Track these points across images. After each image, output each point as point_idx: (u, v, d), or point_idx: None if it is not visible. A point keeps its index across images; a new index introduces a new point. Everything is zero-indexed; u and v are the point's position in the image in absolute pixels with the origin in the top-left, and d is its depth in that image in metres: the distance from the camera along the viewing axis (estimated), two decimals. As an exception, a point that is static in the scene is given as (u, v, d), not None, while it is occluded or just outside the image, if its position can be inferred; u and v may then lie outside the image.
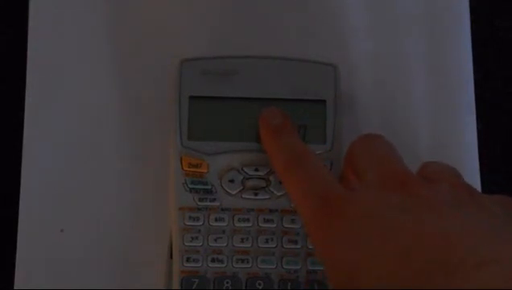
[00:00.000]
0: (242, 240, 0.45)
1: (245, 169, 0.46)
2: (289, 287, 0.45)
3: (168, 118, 0.47)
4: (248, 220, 0.46)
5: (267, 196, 0.46)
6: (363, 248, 0.36)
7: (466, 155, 0.52)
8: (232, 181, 0.46)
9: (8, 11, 0.54)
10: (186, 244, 0.45)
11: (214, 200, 0.46)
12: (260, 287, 0.45)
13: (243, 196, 0.46)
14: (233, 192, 0.46)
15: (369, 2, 0.54)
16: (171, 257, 0.46)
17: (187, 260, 0.45)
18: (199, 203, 0.46)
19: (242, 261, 0.45)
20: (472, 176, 0.52)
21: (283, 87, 0.47)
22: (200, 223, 0.45)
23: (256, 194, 0.46)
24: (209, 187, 0.46)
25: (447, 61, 0.54)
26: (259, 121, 0.46)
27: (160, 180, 0.49)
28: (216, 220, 0.46)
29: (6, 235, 0.50)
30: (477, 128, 0.53)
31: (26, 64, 0.52)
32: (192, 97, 0.47)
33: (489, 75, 0.54)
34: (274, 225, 0.46)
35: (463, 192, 0.39)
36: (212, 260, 0.45)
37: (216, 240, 0.45)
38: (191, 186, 0.46)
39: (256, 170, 0.46)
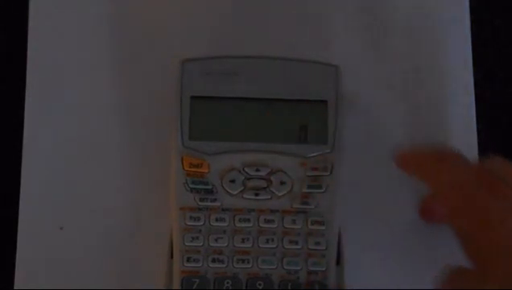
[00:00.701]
0: (243, 240, 0.45)
1: (246, 169, 0.46)
2: (289, 288, 0.45)
3: (169, 118, 0.47)
4: (249, 220, 0.46)
5: (268, 197, 0.46)
6: None
7: (466, 155, 0.52)
8: (233, 181, 0.46)
9: (8, 11, 0.54)
10: (186, 244, 0.45)
11: (215, 200, 0.46)
12: (260, 288, 0.45)
13: (244, 196, 0.46)
14: (234, 193, 0.46)
15: (369, 2, 0.54)
16: (172, 257, 0.46)
17: (188, 260, 0.45)
18: (200, 203, 0.46)
19: (243, 261, 0.45)
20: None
21: (285, 87, 0.47)
22: (201, 223, 0.45)
23: (257, 194, 0.46)
24: (210, 187, 0.46)
25: (447, 61, 0.54)
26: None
27: (161, 180, 0.49)
28: (216, 220, 0.46)
29: (6, 235, 0.50)
30: (477, 128, 0.53)
31: (26, 64, 0.52)
32: (193, 97, 0.47)
33: (489, 75, 0.54)
34: (275, 226, 0.46)
35: None
36: (213, 260, 0.45)
37: (216, 240, 0.45)
38: (192, 186, 0.46)
39: (257, 170, 0.46)
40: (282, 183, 0.46)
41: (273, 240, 0.45)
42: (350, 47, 0.54)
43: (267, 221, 0.46)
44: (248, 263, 0.45)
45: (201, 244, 0.45)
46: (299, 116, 0.47)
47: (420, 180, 0.45)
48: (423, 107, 0.53)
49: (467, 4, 0.54)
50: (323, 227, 0.46)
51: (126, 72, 0.52)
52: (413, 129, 0.52)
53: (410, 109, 0.53)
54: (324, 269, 0.45)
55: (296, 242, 0.45)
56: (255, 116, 0.47)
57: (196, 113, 0.47)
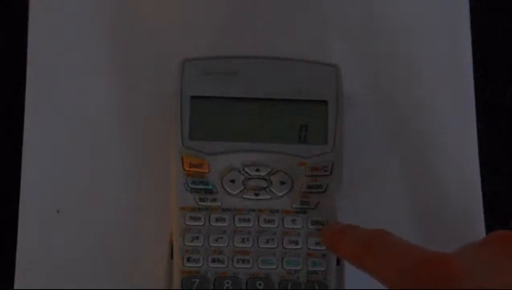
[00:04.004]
0: (243, 240, 0.45)
1: (246, 169, 0.46)
2: (289, 288, 0.45)
3: (169, 117, 0.47)
4: (249, 220, 0.46)
5: (268, 197, 0.46)
6: None
7: (466, 155, 0.52)
8: (233, 181, 0.46)
9: (8, 11, 0.54)
10: (187, 244, 0.45)
11: (215, 200, 0.46)
12: (260, 288, 0.45)
13: (244, 196, 0.46)
14: (234, 193, 0.46)
15: (369, 2, 0.54)
16: (172, 257, 0.46)
17: (188, 260, 0.45)
18: (200, 203, 0.46)
19: (243, 261, 0.45)
20: (473, 176, 0.52)
21: (285, 87, 0.47)
22: (201, 223, 0.45)
23: (257, 194, 0.46)
24: (210, 187, 0.46)
25: (447, 61, 0.54)
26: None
27: (161, 180, 0.49)
28: (216, 220, 0.46)
29: (6, 235, 0.50)
30: (477, 128, 0.53)
31: (27, 64, 0.52)
32: (193, 97, 0.47)
33: (489, 75, 0.54)
34: (275, 226, 0.46)
35: None
36: (213, 260, 0.45)
37: (216, 240, 0.45)
38: (192, 186, 0.46)
39: (257, 170, 0.46)
40: (282, 183, 0.46)
41: (273, 240, 0.45)
42: (350, 47, 0.54)
43: (267, 221, 0.46)
44: (248, 263, 0.45)
45: (201, 244, 0.45)
46: (299, 116, 0.47)
47: (355, 265, 0.42)
48: (422, 107, 0.53)
49: (467, 4, 0.55)
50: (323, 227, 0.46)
51: (126, 71, 0.52)
52: (412, 129, 0.52)
53: (409, 110, 0.53)
54: (324, 269, 0.45)
55: (296, 242, 0.46)
56: (255, 116, 0.47)
57: (196, 113, 0.47)
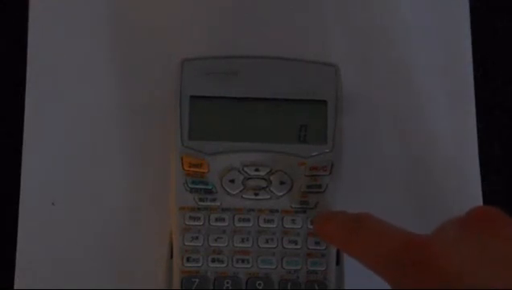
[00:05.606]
0: (243, 240, 0.45)
1: (246, 169, 0.46)
2: (289, 288, 0.45)
3: (169, 117, 0.47)
4: (248, 220, 0.46)
5: (268, 197, 0.46)
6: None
7: (466, 155, 0.52)
8: (232, 181, 0.46)
9: (8, 11, 0.54)
10: (186, 244, 0.45)
11: (215, 200, 0.46)
12: (260, 288, 0.45)
13: (243, 196, 0.46)
14: (234, 192, 0.46)
15: (369, 2, 0.54)
16: (172, 257, 0.46)
17: (188, 260, 0.45)
18: (199, 203, 0.46)
19: (243, 261, 0.45)
20: (472, 176, 0.52)
21: (284, 87, 0.47)
22: (201, 223, 0.45)
23: (256, 194, 0.46)
24: (210, 187, 0.46)
25: (447, 61, 0.54)
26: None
27: (160, 180, 0.49)
28: (216, 220, 0.46)
29: (6, 235, 0.50)
30: (477, 128, 0.53)
31: (27, 64, 0.52)
32: (192, 97, 0.47)
33: (488, 75, 0.54)
34: (275, 226, 0.46)
35: None
36: (213, 260, 0.45)
37: (216, 240, 0.45)
38: (191, 186, 0.46)
39: (257, 170, 0.46)
40: (281, 183, 0.46)
41: (272, 240, 0.45)
42: (350, 47, 0.54)
43: (267, 221, 0.46)
44: (248, 262, 0.45)
45: (201, 244, 0.45)
46: (299, 116, 0.47)
47: (341, 249, 0.44)
48: (422, 107, 0.53)
49: (467, 4, 0.55)
50: (322, 227, 0.46)
51: (126, 72, 0.52)
52: (412, 129, 0.52)
53: (409, 109, 0.53)
54: (323, 269, 0.45)
55: (296, 242, 0.46)
56: (255, 116, 0.47)
57: (195, 113, 0.47)
